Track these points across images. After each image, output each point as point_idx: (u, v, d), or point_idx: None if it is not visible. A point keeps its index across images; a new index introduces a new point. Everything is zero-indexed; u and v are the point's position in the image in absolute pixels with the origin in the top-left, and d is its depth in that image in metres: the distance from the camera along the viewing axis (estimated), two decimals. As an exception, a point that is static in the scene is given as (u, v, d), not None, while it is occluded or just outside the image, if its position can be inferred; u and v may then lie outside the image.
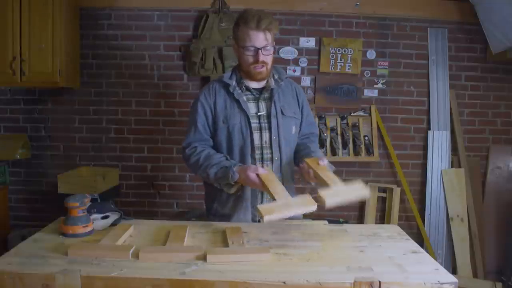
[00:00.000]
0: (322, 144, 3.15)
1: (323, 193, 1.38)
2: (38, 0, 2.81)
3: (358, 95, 3.27)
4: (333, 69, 3.25)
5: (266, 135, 1.70)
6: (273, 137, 1.70)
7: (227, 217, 1.72)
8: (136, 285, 1.10)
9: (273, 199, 1.40)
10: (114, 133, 3.27)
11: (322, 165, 1.55)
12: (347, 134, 3.21)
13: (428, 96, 3.30)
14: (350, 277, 1.11)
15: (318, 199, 1.37)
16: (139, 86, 3.24)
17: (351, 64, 3.24)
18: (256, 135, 1.69)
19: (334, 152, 3.19)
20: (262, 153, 1.70)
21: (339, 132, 3.23)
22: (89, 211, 1.51)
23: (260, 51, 1.62)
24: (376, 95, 3.30)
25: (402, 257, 1.29)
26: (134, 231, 1.48)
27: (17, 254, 1.23)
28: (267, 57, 1.65)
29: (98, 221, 1.50)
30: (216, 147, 1.74)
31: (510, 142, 3.36)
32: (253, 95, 1.74)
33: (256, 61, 1.64)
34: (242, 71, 1.73)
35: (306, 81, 3.26)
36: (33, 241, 1.36)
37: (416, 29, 3.27)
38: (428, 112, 3.31)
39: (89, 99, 3.24)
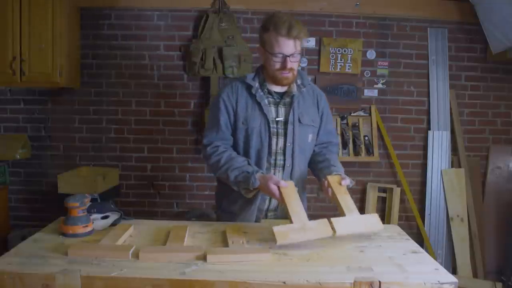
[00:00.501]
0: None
1: (335, 221, 1.38)
2: (38, 0, 2.81)
3: (358, 95, 3.27)
4: (333, 69, 3.25)
5: (281, 141, 1.69)
6: (288, 144, 1.69)
7: (234, 215, 1.73)
8: (136, 285, 1.10)
9: (290, 220, 1.39)
10: (114, 133, 3.27)
11: (344, 184, 1.55)
12: (347, 134, 3.22)
13: (428, 96, 3.30)
14: (350, 277, 1.11)
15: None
16: (139, 86, 3.24)
17: (351, 64, 3.24)
18: (273, 140, 1.68)
19: (334, 152, 3.18)
20: (275, 159, 1.70)
21: (339, 132, 3.23)
22: (89, 211, 1.51)
23: (288, 58, 1.60)
24: (376, 95, 3.30)
25: (402, 257, 1.30)
26: (134, 231, 1.48)
27: (17, 254, 1.23)
28: (294, 64, 1.63)
29: (98, 221, 1.50)
30: (233, 146, 1.73)
31: (510, 142, 3.36)
32: (274, 99, 1.72)
33: (283, 67, 1.61)
34: (267, 74, 1.70)
35: (306, 81, 3.26)
36: (33, 241, 1.36)
37: (416, 29, 3.27)
38: (428, 112, 3.31)
39: (89, 99, 3.24)
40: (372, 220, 1.48)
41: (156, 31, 3.20)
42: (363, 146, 3.22)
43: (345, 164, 3.17)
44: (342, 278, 1.11)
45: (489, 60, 3.26)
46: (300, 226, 1.36)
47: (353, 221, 1.43)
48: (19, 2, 2.80)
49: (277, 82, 1.68)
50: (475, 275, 3.17)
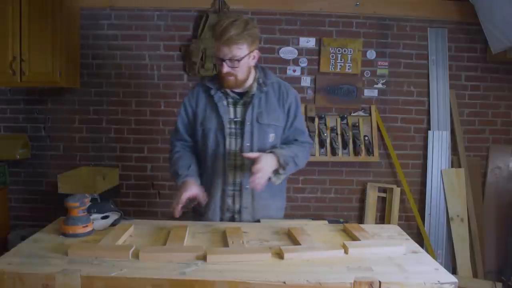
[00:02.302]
0: (322, 144, 3.16)
1: (349, 244, 1.32)
2: (38, 0, 2.81)
3: (358, 95, 3.27)
4: (333, 69, 3.25)
5: (238, 142, 1.69)
6: (246, 144, 1.68)
7: (201, 214, 1.77)
8: (136, 285, 1.10)
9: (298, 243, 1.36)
10: (114, 133, 3.27)
11: (251, 156, 1.57)
12: (347, 134, 3.21)
13: (428, 96, 3.30)
14: (350, 277, 1.11)
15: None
16: (139, 86, 3.24)
17: (351, 64, 3.24)
18: (229, 141, 1.68)
19: (334, 152, 3.19)
20: (234, 160, 1.70)
21: (339, 132, 3.23)
22: (89, 211, 1.51)
23: (224, 62, 1.58)
24: (376, 95, 3.30)
25: (402, 257, 1.29)
26: (134, 231, 1.48)
27: (17, 254, 1.23)
28: (235, 69, 1.59)
29: (98, 221, 1.50)
30: (194, 147, 1.80)
31: (510, 142, 3.36)
32: (233, 99, 1.71)
33: (219, 71, 1.62)
34: None
35: (306, 81, 3.26)
36: (33, 241, 1.36)
37: (416, 29, 3.27)
38: (428, 112, 3.31)
39: (89, 99, 3.24)
40: (391, 242, 1.41)
41: (156, 31, 3.20)
42: (363, 146, 3.21)
43: (345, 164, 3.24)
44: (342, 278, 1.11)
45: (489, 60, 3.26)
46: (308, 246, 1.32)
47: (369, 243, 1.37)
48: (19, 2, 2.80)
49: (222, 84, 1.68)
50: (475, 275, 3.17)
